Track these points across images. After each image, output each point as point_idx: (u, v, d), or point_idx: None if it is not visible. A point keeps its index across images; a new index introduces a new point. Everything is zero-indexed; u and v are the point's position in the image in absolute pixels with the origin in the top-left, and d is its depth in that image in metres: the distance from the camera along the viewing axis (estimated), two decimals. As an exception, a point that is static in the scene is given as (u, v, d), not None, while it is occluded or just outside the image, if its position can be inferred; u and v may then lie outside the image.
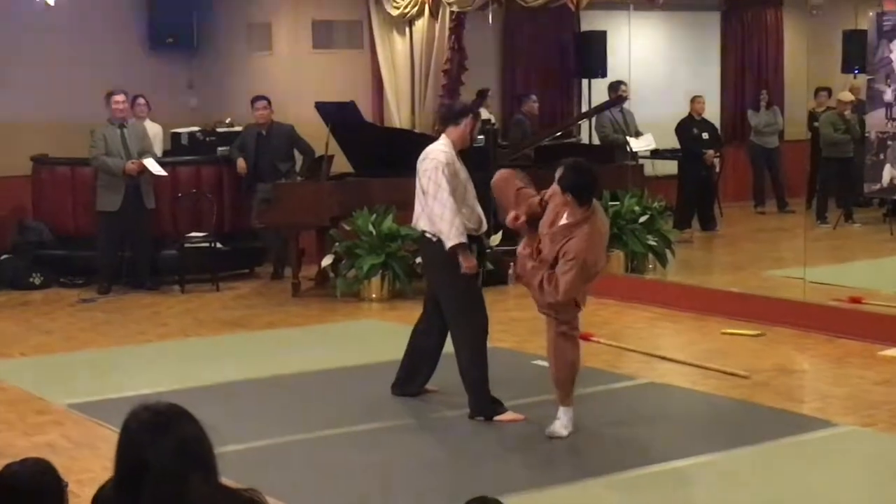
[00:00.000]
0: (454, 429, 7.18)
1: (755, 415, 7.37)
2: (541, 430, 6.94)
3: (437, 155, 7.26)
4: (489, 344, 7.50)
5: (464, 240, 7.12)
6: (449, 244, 7.11)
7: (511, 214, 7.09)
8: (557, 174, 6.73)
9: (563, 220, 6.72)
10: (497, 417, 7.22)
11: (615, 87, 14.12)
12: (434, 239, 7.25)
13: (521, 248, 7.01)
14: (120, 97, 11.85)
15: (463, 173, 7.36)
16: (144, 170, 11.68)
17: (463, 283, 7.25)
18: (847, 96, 15.10)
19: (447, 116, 7.63)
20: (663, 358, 8.85)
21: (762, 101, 16.32)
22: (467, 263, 7.14)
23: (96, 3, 12.14)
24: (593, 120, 14.37)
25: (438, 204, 7.16)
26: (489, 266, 7.32)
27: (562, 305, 6.81)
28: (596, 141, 14.53)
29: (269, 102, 12.49)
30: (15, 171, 12.77)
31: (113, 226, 11.71)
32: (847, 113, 14.92)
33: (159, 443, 2.77)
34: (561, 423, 6.87)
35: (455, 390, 7.45)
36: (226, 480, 2.92)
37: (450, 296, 7.36)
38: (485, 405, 7.26)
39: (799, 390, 8.19)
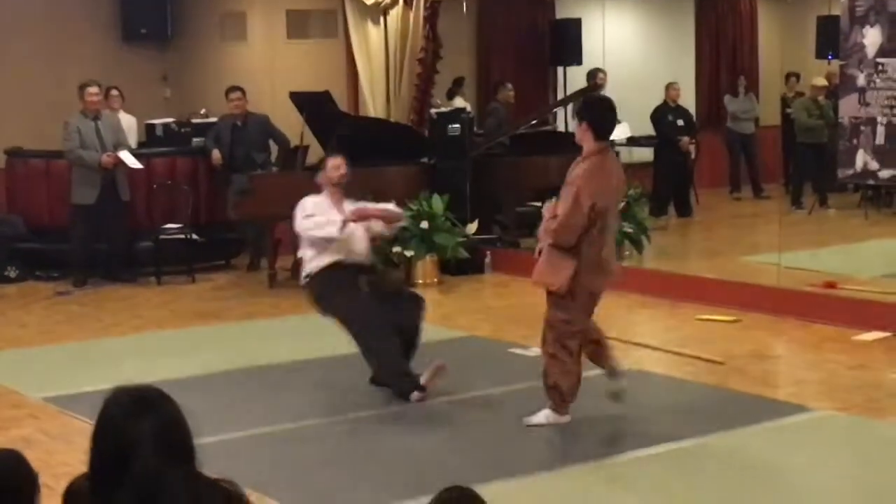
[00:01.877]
0: (430, 419, 7.18)
1: (731, 400, 7.40)
2: (516, 419, 6.95)
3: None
4: (465, 333, 7.50)
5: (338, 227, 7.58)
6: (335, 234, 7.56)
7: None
8: (577, 107, 6.71)
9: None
10: (412, 396, 7.37)
11: (593, 74, 14.14)
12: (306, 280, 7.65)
13: (546, 213, 6.83)
14: (93, 89, 11.80)
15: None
16: (120, 162, 11.64)
17: (341, 307, 7.51)
18: (820, 81, 15.16)
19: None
20: (639, 345, 8.88)
21: (740, 87, 16.37)
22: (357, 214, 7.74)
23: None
24: (569, 107, 14.38)
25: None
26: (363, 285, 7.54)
27: (559, 297, 6.68)
28: (572, 129, 14.52)
29: (244, 93, 12.46)
30: (-12, 164, 12.72)
31: (88, 218, 11.67)
32: (821, 98, 14.98)
33: (141, 423, 2.73)
34: (543, 415, 6.87)
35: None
36: (203, 472, 2.90)
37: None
38: (403, 386, 7.42)
39: (774, 375, 8.23)
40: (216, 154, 12.34)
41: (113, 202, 11.73)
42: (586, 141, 6.60)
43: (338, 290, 7.53)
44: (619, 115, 14.18)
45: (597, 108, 6.70)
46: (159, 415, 2.77)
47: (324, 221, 7.62)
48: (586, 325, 6.85)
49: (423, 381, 7.40)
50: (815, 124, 14.93)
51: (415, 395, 7.40)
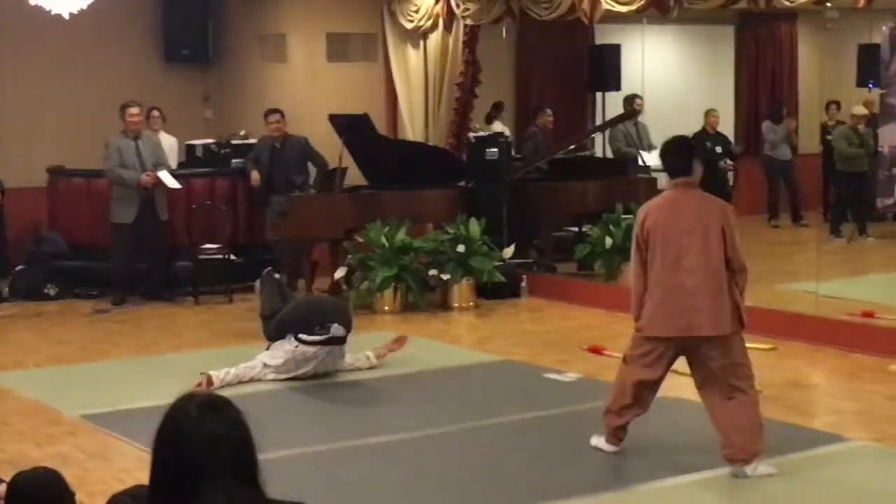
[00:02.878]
0: (465, 442, 7.18)
1: (767, 429, 7.34)
2: (549, 444, 6.94)
3: None
4: (500, 357, 7.48)
5: None
6: None
7: None
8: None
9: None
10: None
11: (630, 100, 14.14)
12: None
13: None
14: (135, 109, 11.90)
15: None
16: (159, 182, 11.72)
17: None
18: (861, 110, 15.10)
19: None
20: (675, 372, 8.82)
21: (783, 114, 16.32)
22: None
23: (112, 16, 12.21)
24: (606, 133, 14.38)
25: None
26: None
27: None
28: (609, 154, 14.55)
29: (283, 115, 12.53)
30: (31, 182, 12.85)
31: (127, 237, 11.75)
32: (861, 127, 14.91)
33: (208, 428, 2.63)
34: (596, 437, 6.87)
35: (469, 399, 7.46)
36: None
37: None
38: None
39: (810, 405, 8.19)
40: (255, 175, 12.41)
41: (151, 221, 11.81)
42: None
43: None
44: (658, 142, 14.30)
45: (664, 151, 6.86)
46: (227, 421, 2.68)
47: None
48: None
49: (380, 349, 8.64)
50: (854, 153, 14.87)
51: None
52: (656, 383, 6.66)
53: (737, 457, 6.40)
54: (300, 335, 8.30)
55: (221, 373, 8.36)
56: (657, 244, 6.44)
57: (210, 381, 8.22)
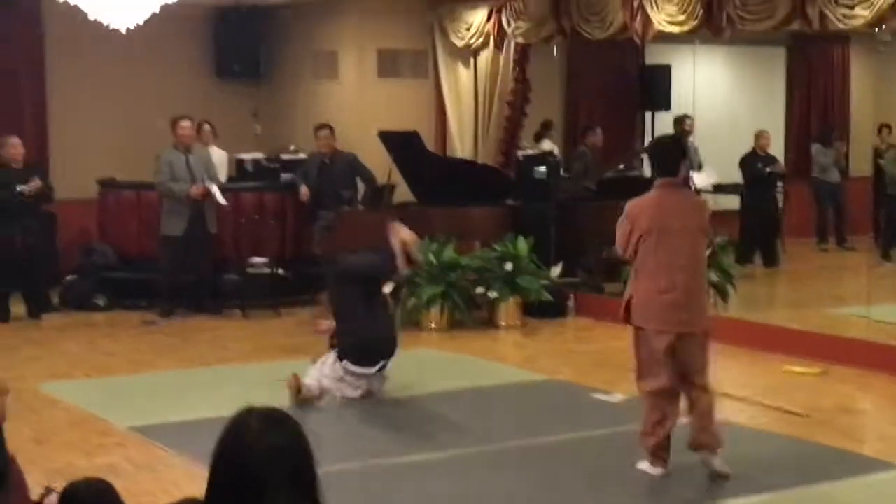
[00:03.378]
0: (509, 462, 7.16)
1: (815, 454, 7.30)
2: (595, 465, 6.90)
3: None
4: (547, 376, 7.46)
5: None
6: None
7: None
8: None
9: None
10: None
11: (680, 120, 14.10)
12: None
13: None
14: (186, 123, 11.99)
15: None
16: (208, 194, 11.79)
17: None
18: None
19: None
20: (723, 394, 8.78)
21: (834, 137, 16.22)
22: None
23: (166, 32, 12.32)
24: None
25: None
26: None
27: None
28: (678, 170, 14.46)
29: (332, 130, 12.58)
30: (82, 194, 12.97)
31: (176, 250, 11.82)
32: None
33: (270, 442, 2.64)
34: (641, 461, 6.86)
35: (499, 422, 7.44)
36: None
37: None
38: None
39: (860, 430, 8.11)
40: (304, 190, 12.46)
41: (201, 234, 11.88)
42: (655, 177, 6.92)
43: None
44: (707, 162, 14.24)
45: (655, 150, 7.12)
46: (288, 434, 2.69)
47: None
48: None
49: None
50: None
51: None
52: (673, 389, 6.70)
53: (712, 444, 6.63)
54: (347, 364, 8.34)
55: (314, 384, 8.35)
56: (652, 242, 6.57)
57: (298, 385, 8.25)
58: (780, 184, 15.08)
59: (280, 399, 8.48)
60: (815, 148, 16.22)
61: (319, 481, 2.70)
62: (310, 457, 2.71)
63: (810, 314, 11.80)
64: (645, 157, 14.64)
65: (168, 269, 11.91)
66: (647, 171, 14.80)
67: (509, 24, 13.06)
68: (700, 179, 13.94)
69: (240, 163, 13.56)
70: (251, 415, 2.71)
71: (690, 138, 14.21)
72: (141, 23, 6.07)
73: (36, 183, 11.57)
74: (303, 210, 12.67)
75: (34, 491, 4.25)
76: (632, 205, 6.75)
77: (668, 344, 6.59)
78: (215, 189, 11.87)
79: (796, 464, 7.12)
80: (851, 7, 9.78)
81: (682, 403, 6.73)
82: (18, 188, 11.46)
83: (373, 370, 8.37)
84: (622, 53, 15.30)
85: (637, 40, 11.98)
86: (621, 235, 6.71)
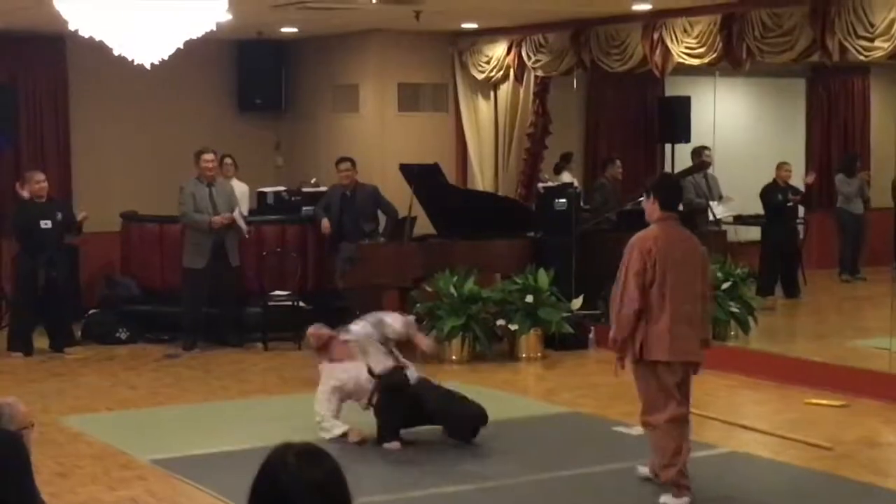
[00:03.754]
0: (531, 495, 7.15)
1: (839, 487, 7.27)
2: (616, 498, 6.88)
3: None
4: (567, 409, 7.47)
5: None
6: None
7: None
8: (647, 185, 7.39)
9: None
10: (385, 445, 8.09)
11: (699, 152, 14.10)
12: None
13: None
14: (209, 156, 12.06)
15: None
16: (232, 222, 11.86)
17: None
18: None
19: None
20: (744, 427, 8.77)
21: (857, 168, 16.19)
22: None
23: (188, 66, 12.39)
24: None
25: None
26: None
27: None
28: (679, 207, 14.46)
29: (353, 163, 12.63)
30: (105, 227, 13.03)
31: (198, 282, 11.87)
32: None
33: (308, 477, 2.65)
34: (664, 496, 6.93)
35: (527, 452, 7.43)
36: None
37: None
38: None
39: (885, 463, 8.07)
40: (325, 223, 12.51)
41: (223, 267, 11.93)
42: (653, 213, 7.11)
43: None
44: (728, 193, 14.22)
45: (664, 186, 7.37)
46: (325, 469, 2.71)
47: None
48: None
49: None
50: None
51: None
52: (685, 416, 6.90)
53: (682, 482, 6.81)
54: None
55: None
56: (663, 273, 6.75)
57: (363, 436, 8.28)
58: (801, 215, 15.05)
59: (308, 434, 8.50)
60: (839, 178, 16.18)
61: None
62: (346, 491, 2.72)
63: (832, 346, 11.76)
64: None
65: (190, 301, 11.96)
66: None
67: (529, 58, 13.11)
68: (720, 210, 13.93)
69: (261, 196, 13.61)
70: (289, 450, 2.72)
71: (710, 170, 14.21)
72: (166, 57, 6.11)
73: (84, 215, 11.93)
74: (325, 243, 12.71)
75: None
76: (642, 239, 6.92)
77: (681, 374, 6.80)
78: (237, 215, 11.94)
79: (821, 498, 7.11)
80: (871, 39, 9.80)
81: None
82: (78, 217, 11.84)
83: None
84: (642, 85, 15.33)
85: (657, 73, 12.01)
86: (635, 276, 6.76)
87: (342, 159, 12.69)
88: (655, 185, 7.32)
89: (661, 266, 6.75)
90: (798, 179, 15.23)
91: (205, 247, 11.87)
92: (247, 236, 12.09)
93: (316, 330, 8.75)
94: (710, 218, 13.78)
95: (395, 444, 8.14)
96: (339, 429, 8.23)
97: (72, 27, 6.04)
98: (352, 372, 8.31)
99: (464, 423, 8.22)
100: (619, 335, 6.82)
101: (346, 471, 2.72)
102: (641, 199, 13.61)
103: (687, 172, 13.77)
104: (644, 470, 7.19)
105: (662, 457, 6.83)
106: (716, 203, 13.97)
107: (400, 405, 8.20)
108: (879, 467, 7.85)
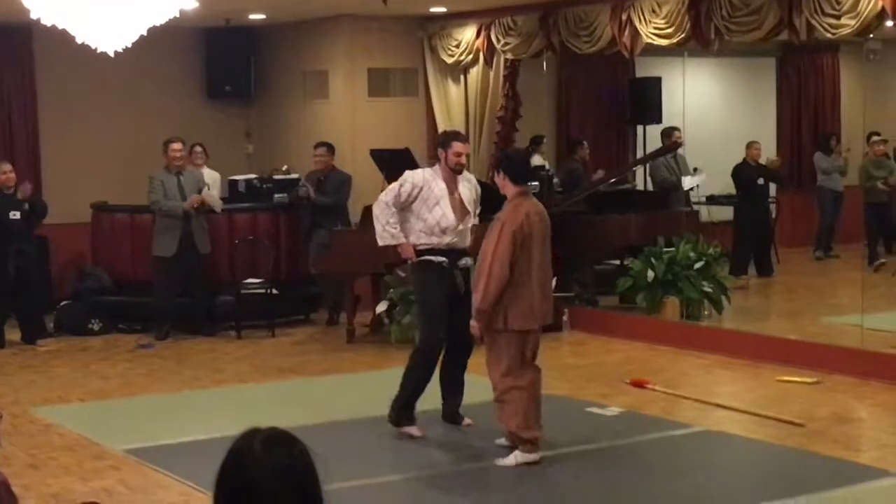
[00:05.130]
0: (507, 477, 7.16)
1: (811, 463, 7.30)
2: (592, 479, 6.90)
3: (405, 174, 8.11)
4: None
5: (386, 242, 8.06)
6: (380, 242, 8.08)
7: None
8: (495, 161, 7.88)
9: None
10: (404, 429, 7.91)
11: (668, 133, 14.12)
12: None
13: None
14: (177, 145, 12.01)
15: (437, 190, 7.98)
16: (203, 202, 11.83)
17: (420, 297, 8.18)
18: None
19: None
20: (719, 405, 8.80)
21: (832, 145, 16.24)
22: (405, 253, 8.06)
23: (156, 54, 12.33)
24: (647, 166, 14.36)
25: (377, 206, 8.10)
26: (460, 283, 7.99)
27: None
28: (650, 187, 14.52)
29: (331, 148, 12.60)
30: (75, 218, 12.96)
31: (169, 271, 11.83)
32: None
33: (274, 461, 2.64)
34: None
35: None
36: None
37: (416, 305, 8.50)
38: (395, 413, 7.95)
39: (856, 439, 8.11)
40: (310, 189, 12.37)
41: (192, 255, 11.88)
42: (507, 188, 7.36)
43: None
44: (693, 168, 14.23)
45: (510, 162, 7.56)
46: (291, 453, 2.69)
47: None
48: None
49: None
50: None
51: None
52: (540, 378, 7.43)
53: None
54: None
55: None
56: (529, 248, 7.17)
57: None
58: (772, 195, 15.10)
59: (282, 422, 8.49)
60: (817, 156, 16.22)
61: (324, 499, 2.70)
62: (314, 475, 2.71)
63: (805, 324, 11.82)
64: (637, 169, 14.74)
65: (161, 290, 11.92)
66: (639, 184, 14.90)
67: (498, 41, 13.09)
68: (690, 181, 13.98)
69: (233, 184, 13.56)
70: (255, 436, 2.71)
71: (681, 151, 14.24)
72: (129, 45, 6.06)
73: (27, 186, 11.66)
74: (299, 228, 12.66)
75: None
76: (511, 215, 7.23)
77: (537, 338, 7.40)
78: (206, 193, 11.91)
79: (794, 474, 7.13)
80: (838, 17, 9.82)
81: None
82: (18, 194, 11.55)
83: None
84: (612, 67, 15.32)
85: (626, 54, 12.01)
86: (506, 253, 7.09)
87: (317, 144, 12.67)
88: (501, 161, 7.64)
89: (526, 241, 7.13)
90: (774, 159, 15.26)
91: (174, 235, 11.82)
92: (219, 210, 12.07)
93: None
94: (682, 198, 13.80)
95: (414, 429, 7.96)
96: None
97: (34, 15, 5.98)
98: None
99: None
100: (484, 306, 7.14)
101: (321, 456, 2.70)
102: (613, 180, 13.73)
103: (658, 153, 13.80)
104: (502, 440, 7.51)
105: (527, 418, 7.21)
106: (688, 178, 14.01)
107: (429, 377, 8.02)
108: (851, 443, 7.89)
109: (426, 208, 7.93)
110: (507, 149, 7.33)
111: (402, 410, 7.96)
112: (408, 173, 8.09)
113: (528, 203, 7.32)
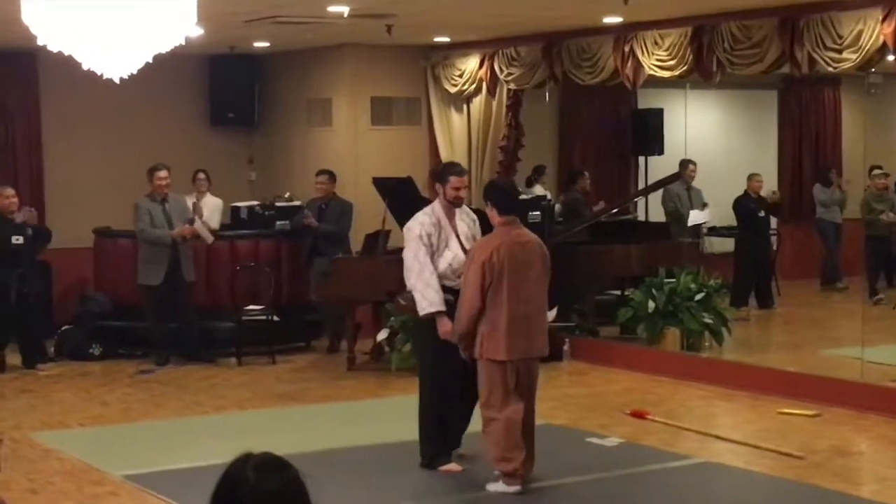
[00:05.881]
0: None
1: (811, 496, 7.30)
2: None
3: (412, 223, 7.80)
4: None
5: (435, 309, 7.51)
6: (421, 312, 7.62)
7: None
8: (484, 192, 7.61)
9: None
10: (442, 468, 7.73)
11: (684, 164, 14.19)
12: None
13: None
14: (163, 173, 11.94)
15: (446, 229, 7.79)
16: (194, 233, 11.84)
17: (429, 354, 7.76)
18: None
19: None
20: (718, 437, 8.79)
21: (832, 178, 16.29)
22: (442, 329, 7.50)
23: (161, 81, 12.37)
24: (649, 197, 14.39)
25: (410, 274, 7.67)
26: None
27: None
28: (652, 218, 14.55)
29: (332, 176, 12.63)
30: (78, 243, 12.99)
31: (157, 299, 11.80)
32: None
33: (268, 487, 2.64)
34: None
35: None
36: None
37: (420, 360, 8.18)
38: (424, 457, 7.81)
39: (856, 472, 8.10)
40: (311, 217, 12.39)
41: (178, 282, 11.86)
42: (493, 218, 7.35)
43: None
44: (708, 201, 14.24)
45: (496, 191, 7.52)
46: (284, 479, 2.69)
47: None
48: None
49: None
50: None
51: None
52: (521, 418, 7.22)
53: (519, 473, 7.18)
54: None
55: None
56: (500, 277, 7.08)
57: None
58: (773, 226, 15.13)
59: (283, 449, 8.48)
60: (816, 188, 16.28)
61: None
62: (307, 500, 2.72)
63: (805, 356, 11.81)
64: (639, 200, 14.76)
65: (154, 318, 11.91)
66: (640, 215, 14.93)
67: (501, 71, 13.15)
68: (696, 216, 14.01)
69: (235, 210, 13.59)
70: (248, 461, 2.71)
71: (693, 182, 14.31)
72: (135, 72, 6.08)
73: (26, 211, 11.64)
74: (301, 255, 12.68)
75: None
76: (481, 248, 7.22)
77: (523, 371, 7.25)
78: (199, 225, 11.91)
79: (792, 506, 7.12)
80: (840, 51, 9.87)
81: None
82: (17, 219, 11.51)
83: None
84: (615, 98, 15.38)
85: (628, 85, 12.06)
86: (474, 283, 7.07)
87: (319, 172, 12.71)
88: (488, 192, 7.57)
89: (498, 271, 7.06)
90: (770, 191, 15.29)
91: (161, 263, 11.78)
92: (210, 241, 12.07)
93: None
94: (684, 229, 13.83)
95: (453, 466, 7.81)
96: None
97: (40, 41, 6.01)
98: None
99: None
100: (458, 330, 7.20)
101: (315, 482, 2.71)
102: (615, 211, 13.76)
103: (661, 184, 13.82)
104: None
105: (504, 450, 7.17)
106: (696, 211, 14.05)
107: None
108: (851, 476, 7.89)
109: (438, 252, 7.72)
110: (492, 179, 7.27)
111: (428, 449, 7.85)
112: (414, 222, 7.76)
113: (510, 233, 7.25)
